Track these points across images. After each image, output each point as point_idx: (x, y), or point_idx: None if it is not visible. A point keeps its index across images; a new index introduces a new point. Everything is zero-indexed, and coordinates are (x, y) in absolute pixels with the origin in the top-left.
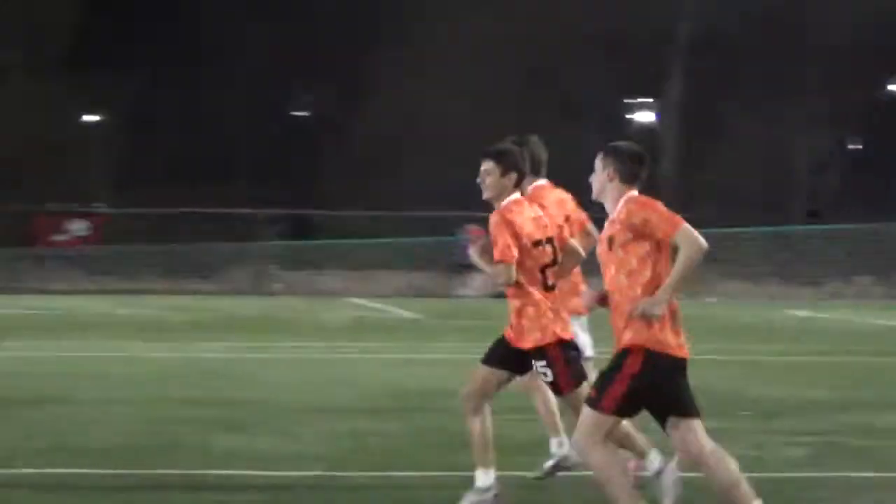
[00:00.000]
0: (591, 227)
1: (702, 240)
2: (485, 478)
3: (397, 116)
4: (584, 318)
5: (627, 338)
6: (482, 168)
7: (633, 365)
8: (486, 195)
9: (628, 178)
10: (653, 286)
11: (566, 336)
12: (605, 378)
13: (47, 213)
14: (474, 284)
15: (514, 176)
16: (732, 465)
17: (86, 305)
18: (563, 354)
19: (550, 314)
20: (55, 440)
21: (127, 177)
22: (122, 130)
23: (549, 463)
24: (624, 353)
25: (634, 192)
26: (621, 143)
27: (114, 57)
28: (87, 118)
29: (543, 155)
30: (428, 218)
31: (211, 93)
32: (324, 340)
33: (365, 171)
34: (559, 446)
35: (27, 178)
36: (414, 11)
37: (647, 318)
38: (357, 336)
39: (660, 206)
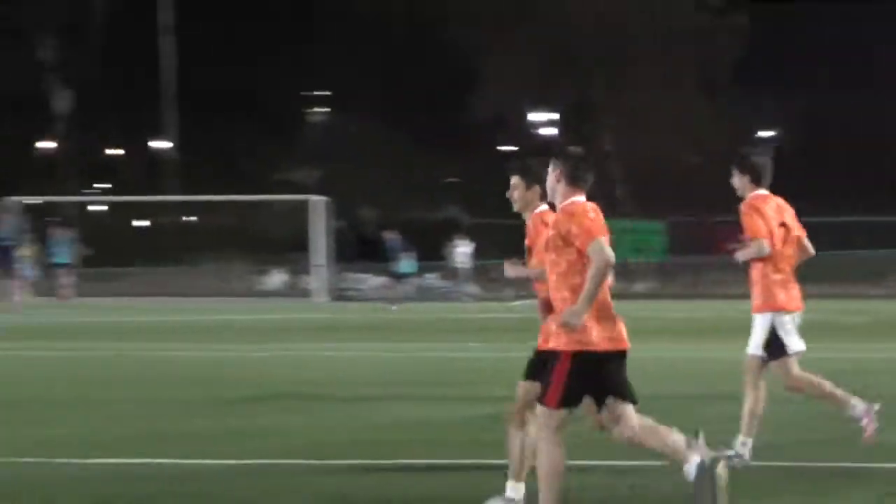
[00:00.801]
0: (807, 242)
1: (609, 253)
2: (514, 491)
3: None
4: (797, 315)
5: (555, 341)
6: (511, 183)
7: (562, 367)
8: (515, 208)
9: (573, 181)
10: (581, 290)
11: None
12: (546, 379)
13: (719, 223)
14: None
15: (537, 189)
16: (661, 431)
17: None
18: None
19: None
20: None
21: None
22: (790, 146)
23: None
24: (554, 357)
25: (579, 197)
26: (571, 147)
27: (785, 73)
28: (761, 134)
29: (767, 167)
30: None
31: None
32: None
33: None
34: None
35: (702, 188)
36: None
37: (569, 328)
38: None
39: (587, 217)
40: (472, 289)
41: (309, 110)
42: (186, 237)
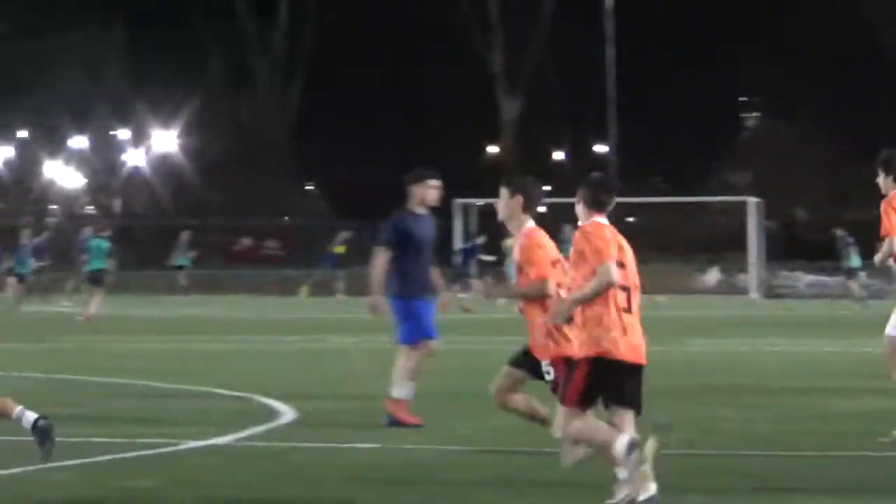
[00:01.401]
0: None
1: (613, 277)
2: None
3: None
4: None
5: (577, 349)
6: (500, 193)
7: (581, 371)
8: (499, 217)
9: (592, 205)
10: (592, 305)
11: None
12: (566, 382)
13: None
14: None
15: (520, 198)
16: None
17: None
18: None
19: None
20: None
21: None
22: None
23: None
24: (574, 362)
25: (598, 218)
26: (593, 175)
27: None
28: None
29: None
30: None
31: None
32: None
33: None
34: None
35: None
36: None
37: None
38: None
39: (600, 239)
40: None
41: (744, 115)
42: (628, 237)
